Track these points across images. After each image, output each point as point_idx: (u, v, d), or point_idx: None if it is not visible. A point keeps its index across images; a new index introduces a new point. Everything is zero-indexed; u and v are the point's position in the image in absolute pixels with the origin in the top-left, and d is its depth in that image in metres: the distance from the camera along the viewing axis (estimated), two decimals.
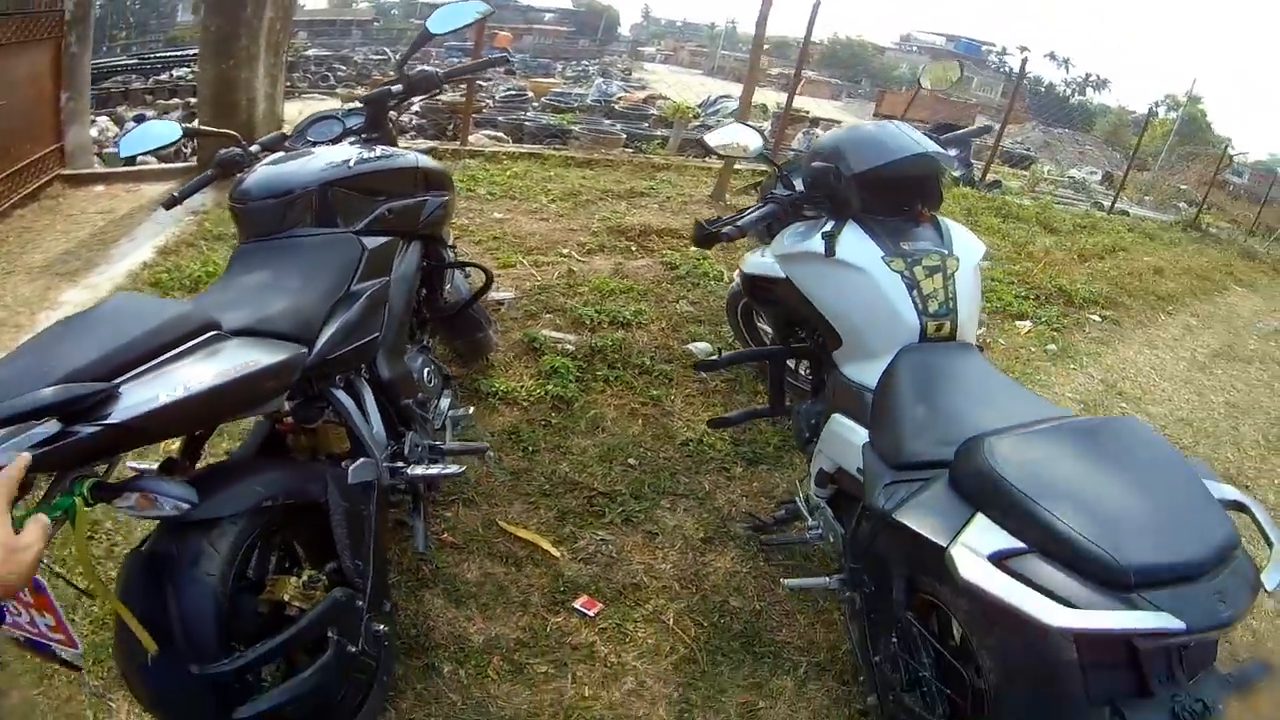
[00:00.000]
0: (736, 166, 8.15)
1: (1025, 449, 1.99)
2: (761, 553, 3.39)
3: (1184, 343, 7.75)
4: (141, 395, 1.66)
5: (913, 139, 2.88)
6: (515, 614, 2.99)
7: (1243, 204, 24.65)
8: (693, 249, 6.04)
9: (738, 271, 3.87)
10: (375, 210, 2.67)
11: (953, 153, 3.22)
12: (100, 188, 6.70)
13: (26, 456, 1.44)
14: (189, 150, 8.72)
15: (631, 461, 3.82)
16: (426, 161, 3.01)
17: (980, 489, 1.93)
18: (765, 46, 8.98)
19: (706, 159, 9.96)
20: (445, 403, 3.16)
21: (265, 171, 2.61)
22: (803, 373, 3.82)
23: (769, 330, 3.97)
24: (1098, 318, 7.25)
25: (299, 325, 2.15)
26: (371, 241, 2.59)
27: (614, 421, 4.06)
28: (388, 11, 55.41)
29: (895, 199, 2.86)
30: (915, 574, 2.25)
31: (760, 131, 3.30)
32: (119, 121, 13.14)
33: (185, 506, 1.79)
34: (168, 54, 24.35)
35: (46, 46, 6.47)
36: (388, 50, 33.53)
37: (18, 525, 1.50)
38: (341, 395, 2.39)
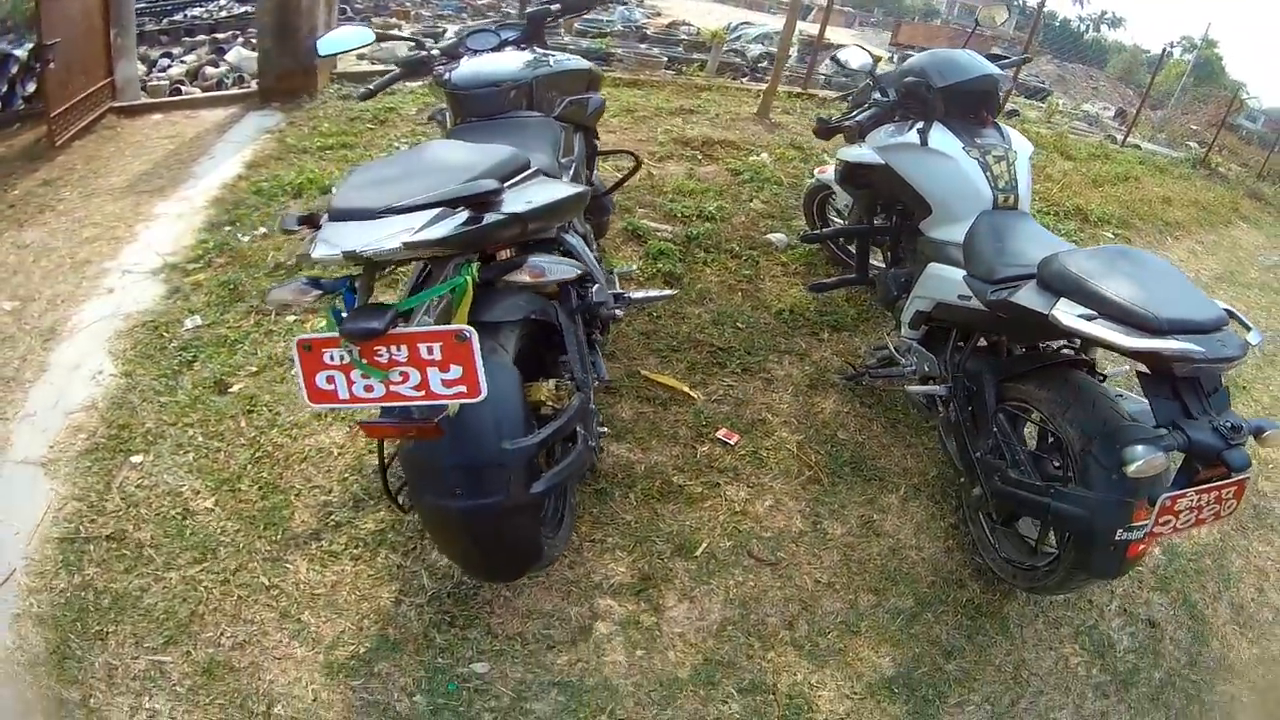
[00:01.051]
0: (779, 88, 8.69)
1: (1086, 259, 2.82)
2: (856, 397, 4.15)
3: (1188, 264, 8.36)
4: (521, 198, 2.26)
5: (982, 63, 3.79)
6: (668, 445, 3.64)
7: (1255, 149, 25.08)
8: (752, 159, 6.74)
9: (819, 169, 4.92)
10: (563, 102, 3.41)
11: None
12: (157, 116, 6.92)
13: None
14: (230, 81, 9.10)
15: (739, 325, 4.48)
16: (594, 67, 3.77)
17: (1061, 283, 2.75)
18: None
19: (742, 80, 10.93)
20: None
21: (477, 68, 3.32)
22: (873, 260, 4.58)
23: (838, 221, 4.90)
24: (1110, 235, 7.85)
25: (553, 174, 2.80)
26: (562, 127, 3.27)
27: (717, 294, 4.71)
28: None
29: (968, 107, 3.73)
30: (1001, 380, 3.22)
31: (871, 54, 4.12)
32: (146, 61, 13.25)
33: (575, 273, 2.44)
34: None
35: None
36: None
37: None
38: (571, 237, 2.96)
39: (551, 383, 2.64)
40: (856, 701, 2.86)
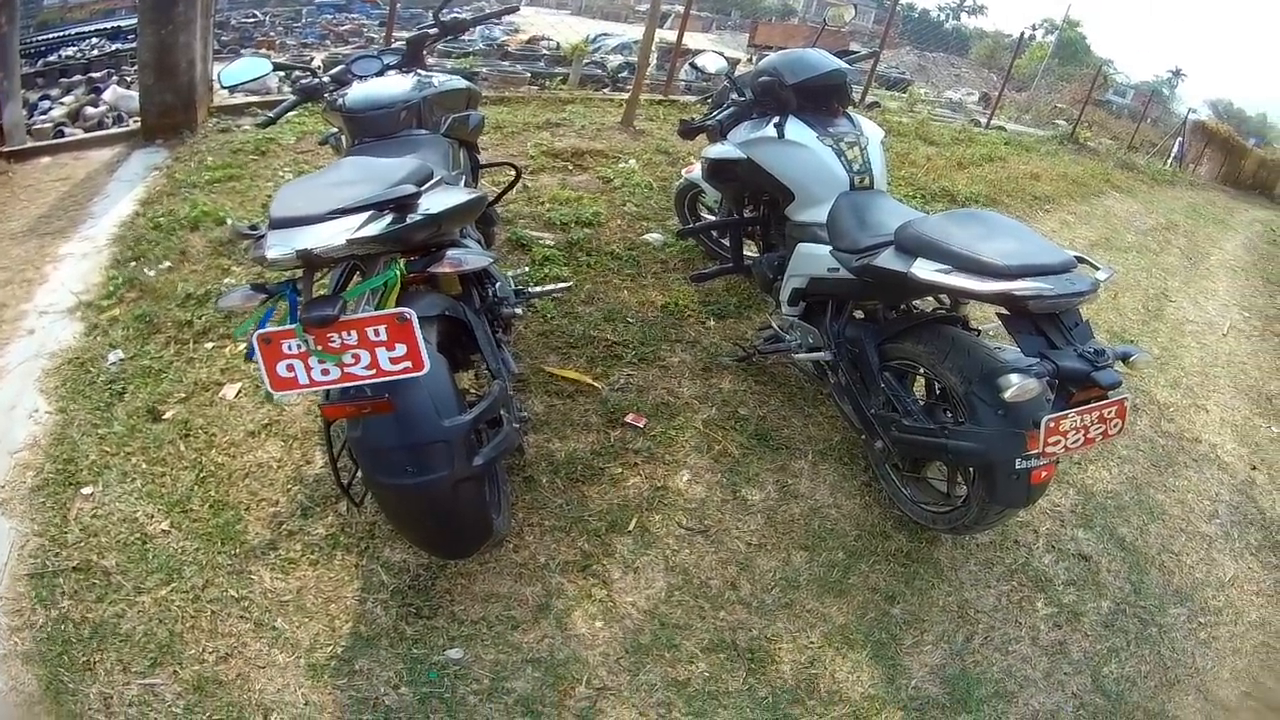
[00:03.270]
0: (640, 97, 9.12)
1: (938, 221, 3.31)
2: (750, 376, 4.51)
3: (1061, 234, 9.06)
4: (434, 202, 2.57)
5: (830, 59, 4.22)
6: (582, 432, 3.91)
7: (1124, 122, 26.73)
8: (621, 166, 7.14)
9: (686, 169, 5.41)
10: (447, 120, 3.74)
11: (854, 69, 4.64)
12: (46, 159, 6.87)
13: None
14: (110, 120, 9.20)
15: (629, 320, 4.79)
16: (472, 86, 4.12)
17: (917, 244, 3.21)
18: None
19: (604, 91, 11.77)
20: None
21: (368, 91, 3.65)
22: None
23: (709, 216, 5.36)
24: None
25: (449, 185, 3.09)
26: (449, 142, 3.62)
27: (605, 293, 5.03)
28: None
29: (820, 100, 4.18)
30: (880, 342, 3.65)
31: (726, 58, 4.70)
32: (26, 104, 13.07)
33: (488, 260, 2.78)
34: (46, 37, 23.88)
35: None
36: (257, 12, 33.73)
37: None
38: (468, 242, 3.28)
39: (471, 373, 3.12)
40: (815, 650, 3.16)
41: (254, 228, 2.49)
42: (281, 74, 4.23)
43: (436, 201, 2.58)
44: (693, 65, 4.74)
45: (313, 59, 16.60)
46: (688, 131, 4.54)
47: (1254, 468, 5.22)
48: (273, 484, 3.45)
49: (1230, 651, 3.74)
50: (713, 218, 5.18)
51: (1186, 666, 3.58)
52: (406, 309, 2.29)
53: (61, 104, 13.39)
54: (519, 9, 4.54)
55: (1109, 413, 2.87)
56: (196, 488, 3.39)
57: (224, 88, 3.87)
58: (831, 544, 3.58)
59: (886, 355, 3.63)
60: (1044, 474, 3.07)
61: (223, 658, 2.80)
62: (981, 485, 3.22)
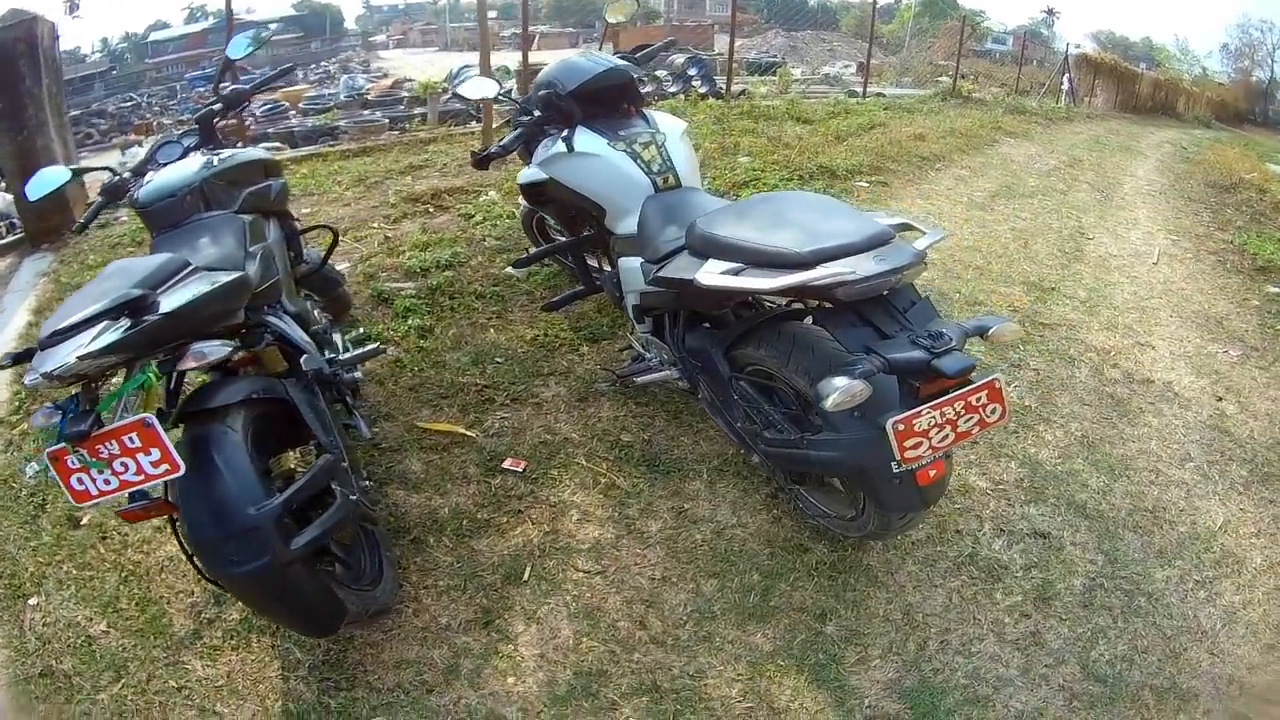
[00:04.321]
0: (495, 124, 9.14)
1: (726, 215, 3.19)
2: (630, 399, 4.40)
3: (958, 190, 9.04)
4: (175, 299, 2.55)
5: (601, 60, 4.22)
6: (462, 485, 3.82)
7: (1009, 69, 27.37)
8: (481, 199, 7.10)
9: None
10: (240, 195, 3.61)
11: (672, 63, 4.72)
12: None
13: None
14: (5, 229, 9.76)
15: (498, 360, 4.70)
16: (265, 155, 4.06)
17: (705, 245, 3.07)
18: (492, 13, 9.93)
19: (467, 125, 11.80)
20: (339, 336, 4.06)
21: (153, 184, 3.55)
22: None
23: (561, 235, 5.12)
24: (865, 184, 8.41)
25: (235, 266, 3.02)
26: (246, 218, 3.49)
27: (471, 336, 4.95)
28: (120, 57, 54.32)
29: (608, 104, 4.12)
30: (727, 350, 3.44)
31: (497, 79, 4.63)
32: None
33: (226, 351, 2.69)
34: None
35: None
36: (134, 96, 33.61)
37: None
38: (274, 318, 3.21)
39: (296, 451, 3.21)
40: (746, 682, 2.98)
41: (21, 354, 2.54)
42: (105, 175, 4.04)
43: (179, 296, 2.59)
44: (457, 95, 4.59)
45: None
46: (479, 161, 4.28)
47: (1220, 398, 4.95)
48: (185, 575, 3.50)
49: (1241, 605, 3.46)
50: (564, 238, 5.01)
51: (1192, 632, 3.31)
52: (148, 416, 2.38)
53: None
54: (295, 69, 4.37)
55: (978, 399, 2.56)
56: (122, 587, 3.48)
57: (30, 201, 3.81)
58: (743, 566, 3.40)
59: (736, 363, 3.42)
60: (933, 472, 2.72)
61: None
62: (865, 494, 3.01)
